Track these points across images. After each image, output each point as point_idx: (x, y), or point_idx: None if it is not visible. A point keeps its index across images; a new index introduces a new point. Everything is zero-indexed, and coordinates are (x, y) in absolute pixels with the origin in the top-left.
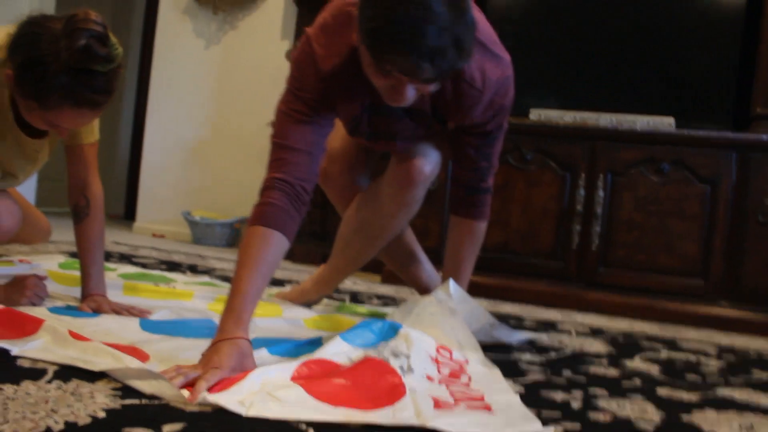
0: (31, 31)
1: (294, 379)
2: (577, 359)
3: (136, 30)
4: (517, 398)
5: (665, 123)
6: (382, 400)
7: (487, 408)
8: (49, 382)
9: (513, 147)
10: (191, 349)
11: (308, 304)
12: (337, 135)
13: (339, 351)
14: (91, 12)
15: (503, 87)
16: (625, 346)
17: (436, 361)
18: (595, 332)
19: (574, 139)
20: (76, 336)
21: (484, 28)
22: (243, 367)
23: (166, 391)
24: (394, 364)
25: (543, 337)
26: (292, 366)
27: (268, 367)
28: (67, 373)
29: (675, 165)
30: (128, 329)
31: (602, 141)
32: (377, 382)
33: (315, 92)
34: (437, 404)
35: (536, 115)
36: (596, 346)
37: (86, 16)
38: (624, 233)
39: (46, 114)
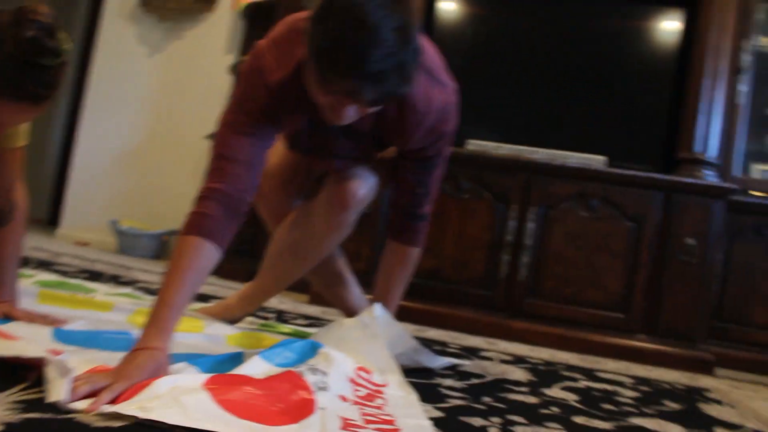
0: None
1: (205, 385)
2: (498, 386)
3: (76, 30)
4: (428, 423)
5: (598, 161)
6: (290, 416)
7: (396, 431)
8: None
9: (449, 176)
10: (105, 362)
11: (231, 321)
12: (275, 152)
13: (257, 370)
14: (40, 5)
15: (446, 113)
16: (545, 375)
17: (354, 382)
18: (518, 360)
19: (509, 171)
20: None
21: (432, 55)
22: (150, 372)
23: (62, 395)
24: (310, 379)
25: (466, 363)
26: (205, 376)
27: (181, 374)
28: None
29: (604, 202)
30: (39, 337)
31: (536, 174)
32: (288, 395)
33: (260, 104)
34: (345, 425)
35: (474, 145)
36: (518, 373)
37: (35, 8)
38: (552, 265)
39: None
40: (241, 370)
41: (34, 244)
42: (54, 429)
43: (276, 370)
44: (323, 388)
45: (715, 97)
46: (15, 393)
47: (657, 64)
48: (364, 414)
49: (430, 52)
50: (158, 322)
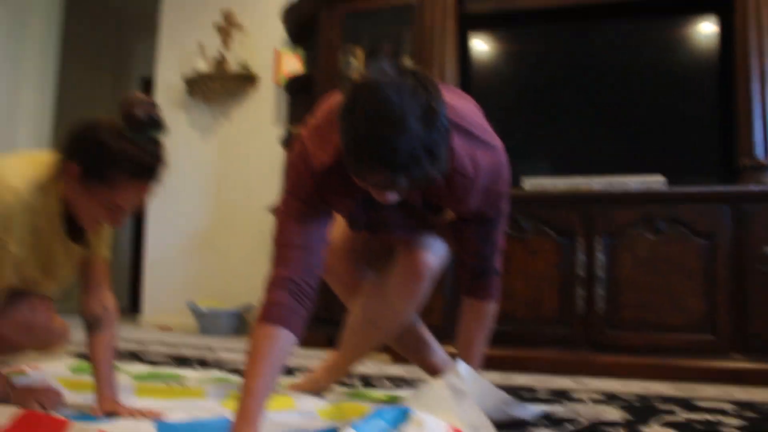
0: (87, 125)
1: None
2: (595, 430)
3: None
4: None
5: (656, 181)
6: None
7: None
8: None
9: (510, 217)
10: None
11: (319, 393)
12: (338, 228)
13: None
14: (136, 92)
15: (496, 173)
16: (641, 411)
17: None
18: (610, 398)
19: (568, 205)
20: None
21: (473, 115)
22: None
23: None
24: None
25: (558, 409)
26: None
27: None
28: None
29: (670, 222)
30: (144, 431)
31: (596, 204)
32: None
33: (309, 190)
34: None
35: (529, 184)
36: (611, 413)
37: (136, 95)
38: (628, 294)
39: (111, 193)
40: None
41: (121, 334)
42: None
43: None
44: None
45: (767, 99)
46: None
47: (699, 73)
48: None
49: (470, 111)
50: (245, 412)
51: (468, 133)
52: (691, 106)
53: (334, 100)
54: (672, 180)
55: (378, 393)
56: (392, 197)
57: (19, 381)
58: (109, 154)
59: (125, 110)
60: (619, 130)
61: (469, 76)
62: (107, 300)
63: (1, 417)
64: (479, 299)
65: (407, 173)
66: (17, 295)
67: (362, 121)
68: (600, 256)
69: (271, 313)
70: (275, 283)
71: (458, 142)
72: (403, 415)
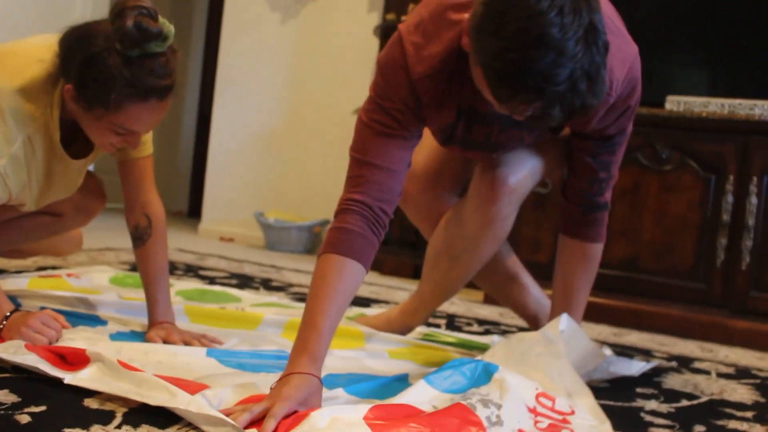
0: (79, 35)
1: (366, 419)
2: (715, 410)
3: (200, 3)
4: None
5: None
6: None
7: None
8: (118, 427)
9: (644, 143)
10: (259, 385)
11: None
12: (420, 148)
13: (423, 398)
14: None
15: (629, 85)
16: None
17: (534, 411)
18: (742, 373)
19: (721, 134)
20: (127, 366)
21: (609, 18)
22: (310, 404)
23: None
24: (482, 414)
25: (670, 365)
26: (366, 406)
27: (341, 405)
28: (135, 418)
29: None
30: (197, 359)
31: (757, 135)
32: None
33: (402, 101)
34: None
35: (674, 104)
36: (740, 392)
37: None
38: None
39: (116, 116)
40: (406, 397)
41: (177, 243)
42: None
43: (443, 396)
44: (497, 423)
45: None
46: (183, 427)
47: None
48: None
49: (607, 13)
50: (308, 347)
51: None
52: None
53: (443, 2)
54: None
55: (453, 337)
56: (554, 119)
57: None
58: (102, 75)
59: (114, 22)
60: None
61: None
62: (152, 207)
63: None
64: (585, 239)
65: (563, 104)
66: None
67: (513, 44)
68: (753, 200)
69: (342, 241)
70: (348, 208)
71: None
72: (485, 374)
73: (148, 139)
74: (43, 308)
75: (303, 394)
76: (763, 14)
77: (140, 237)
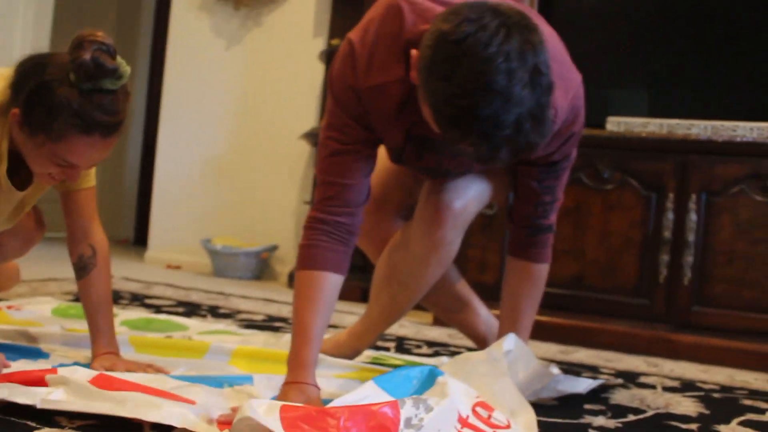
0: (34, 63)
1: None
2: (660, 423)
3: (145, 30)
4: None
5: None
6: None
7: None
8: None
9: (586, 163)
10: (233, 396)
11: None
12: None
13: (372, 398)
14: (97, 30)
15: (573, 113)
16: (721, 405)
17: (464, 421)
18: (686, 386)
19: (660, 153)
20: (100, 385)
21: (553, 47)
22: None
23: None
24: (406, 412)
25: (616, 382)
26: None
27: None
28: None
29: None
30: (156, 379)
31: (695, 154)
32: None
33: (352, 114)
34: None
35: (614, 124)
36: (685, 405)
37: (92, 32)
38: (723, 265)
39: (57, 147)
40: (352, 396)
41: (123, 271)
42: None
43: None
44: (415, 426)
45: None
46: None
47: None
48: None
49: (550, 42)
50: (299, 358)
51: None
52: None
53: (391, 15)
54: None
55: (410, 360)
56: (501, 159)
57: None
58: (51, 103)
59: (72, 53)
60: (731, 66)
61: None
62: (95, 238)
63: None
64: (530, 260)
65: (510, 145)
66: None
67: (460, 91)
68: (693, 217)
69: (311, 257)
70: (311, 225)
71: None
72: (431, 377)
73: (91, 171)
74: None
75: (302, 403)
76: (699, 37)
77: (84, 267)
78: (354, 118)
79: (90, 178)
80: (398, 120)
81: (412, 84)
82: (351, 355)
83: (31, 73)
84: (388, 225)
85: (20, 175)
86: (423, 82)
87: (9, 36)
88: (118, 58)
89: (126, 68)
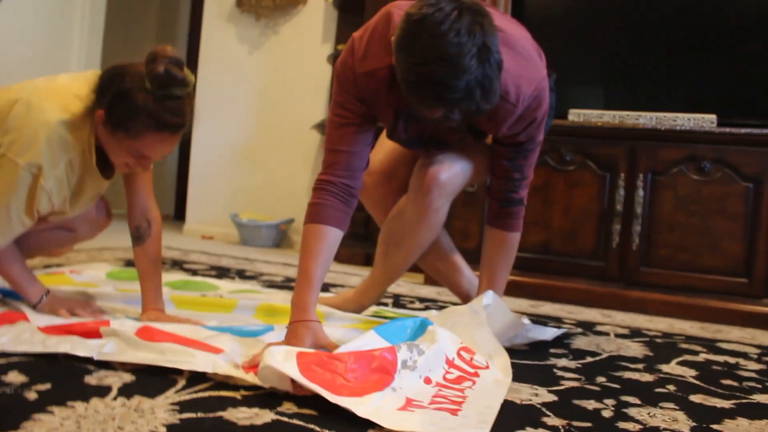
0: (115, 72)
1: (299, 356)
2: (613, 364)
3: (181, 38)
4: (494, 410)
5: (707, 120)
6: (355, 391)
7: (453, 412)
8: (115, 399)
9: (552, 148)
10: (254, 345)
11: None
12: (380, 148)
13: (372, 344)
14: (167, 46)
15: (536, 100)
16: (663, 349)
17: (451, 363)
18: (634, 333)
19: (613, 140)
20: (144, 337)
21: (522, 41)
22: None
23: (276, 382)
24: (402, 355)
25: (576, 331)
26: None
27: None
28: (129, 389)
29: (717, 163)
30: (192, 329)
31: (642, 140)
32: (368, 372)
33: (351, 94)
34: (406, 404)
35: (575, 115)
36: (634, 348)
37: (164, 48)
38: (665, 233)
39: (134, 142)
40: (354, 344)
41: (165, 242)
42: (207, 427)
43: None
44: (410, 367)
45: None
46: (171, 395)
47: (762, 8)
48: (437, 395)
49: (520, 36)
50: (303, 300)
51: (515, 58)
52: (751, 43)
53: (383, 19)
54: (723, 121)
55: (405, 313)
56: (454, 121)
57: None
58: (130, 107)
59: (148, 65)
60: (673, 65)
61: (522, 3)
62: (151, 212)
63: (37, 323)
64: (504, 229)
65: (461, 108)
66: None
67: (420, 60)
68: (640, 193)
69: (318, 213)
70: (320, 187)
71: (505, 67)
72: (422, 327)
73: None
74: None
75: (309, 339)
76: (647, 41)
77: (140, 237)
78: (354, 97)
79: None
80: (388, 99)
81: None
82: (357, 309)
83: (113, 81)
84: (392, 196)
85: (104, 165)
86: (395, 58)
87: (67, 52)
88: (185, 69)
89: (191, 78)
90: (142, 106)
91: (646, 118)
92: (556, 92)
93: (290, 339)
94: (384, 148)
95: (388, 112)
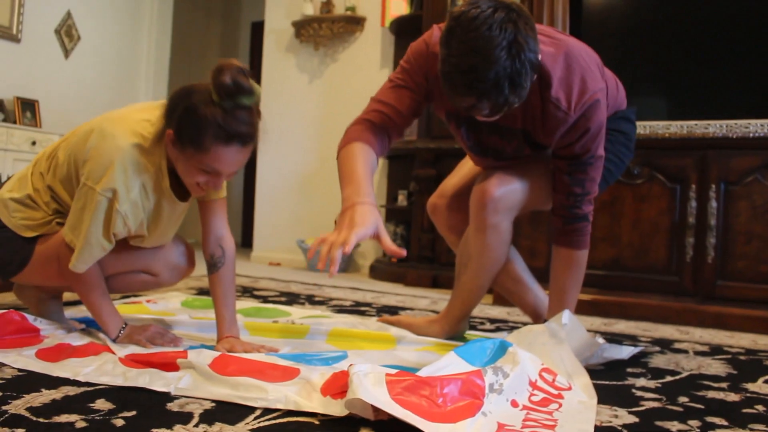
0: (182, 92)
1: (388, 375)
2: (694, 383)
3: None
4: (590, 431)
5: None
6: (449, 417)
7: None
8: (197, 425)
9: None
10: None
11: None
12: (455, 173)
13: (456, 368)
14: (233, 59)
15: (590, 110)
16: (747, 366)
17: (533, 385)
18: (715, 350)
19: (682, 150)
20: (220, 368)
21: (583, 54)
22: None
23: (359, 410)
24: (489, 379)
25: (653, 349)
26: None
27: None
28: (210, 416)
29: None
30: (267, 357)
31: (713, 150)
32: (457, 397)
33: (422, 67)
34: (499, 430)
35: (641, 127)
36: (715, 366)
37: (229, 61)
38: (742, 244)
39: (204, 157)
40: (434, 366)
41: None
42: None
43: (466, 365)
44: (497, 391)
45: None
46: (250, 421)
47: None
48: (527, 419)
49: (580, 50)
50: (354, 185)
51: (570, 68)
52: None
53: (434, 30)
54: None
55: (476, 334)
56: (484, 112)
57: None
58: (198, 121)
59: (214, 78)
60: (743, 70)
61: (580, 14)
62: (225, 240)
63: (119, 354)
64: (569, 247)
65: (490, 98)
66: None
67: (454, 52)
68: (713, 204)
69: (354, 136)
70: (358, 122)
71: (559, 75)
72: (502, 348)
73: (223, 184)
74: None
75: (369, 219)
76: (710, 47)
77: (215, 265)
78: (421, 69)
79: (223, 190)
80: (446, 100)
81: None
82: (438, 334)
83: (180, 99)
84: (464, 221)
85: (179, 189)
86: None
87: (135, 86)
88: (251, 80)
89: (258, 88)
90: (210, 119)
91: (715, 127)
92: (634, 124)
93: (344, 220)
94: (459, 173)
95: (442, 102)
